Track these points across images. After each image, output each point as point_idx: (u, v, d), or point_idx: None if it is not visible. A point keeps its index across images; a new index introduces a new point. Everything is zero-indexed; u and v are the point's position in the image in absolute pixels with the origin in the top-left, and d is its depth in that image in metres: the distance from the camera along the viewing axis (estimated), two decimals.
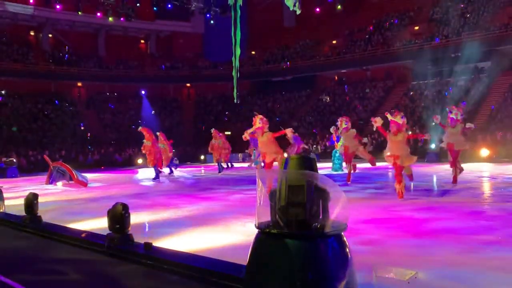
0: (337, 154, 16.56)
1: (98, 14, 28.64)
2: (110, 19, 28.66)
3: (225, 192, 10.92)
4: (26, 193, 6.81)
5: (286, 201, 2.93)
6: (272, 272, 2.87)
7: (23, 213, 6.58)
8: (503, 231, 5.69)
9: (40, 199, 6.62)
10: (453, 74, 28.47)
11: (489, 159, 19.41)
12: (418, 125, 25.52)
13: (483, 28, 28.35)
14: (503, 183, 11.37)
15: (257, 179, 3.23)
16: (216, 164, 17.90)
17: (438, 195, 9.87)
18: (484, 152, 20.01)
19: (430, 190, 10.78)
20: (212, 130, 17.96)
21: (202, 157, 25.98)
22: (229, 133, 19.29)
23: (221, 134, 18.10)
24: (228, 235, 5.88)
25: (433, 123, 13.34)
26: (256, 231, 3.08)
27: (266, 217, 3.08)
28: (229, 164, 18.89)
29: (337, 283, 2.80)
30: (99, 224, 6.33)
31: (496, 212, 7.18)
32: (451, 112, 11.29)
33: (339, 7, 34.88)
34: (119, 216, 4.69)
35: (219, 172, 17.24)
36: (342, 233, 2.95)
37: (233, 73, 10.26)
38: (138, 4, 27.52)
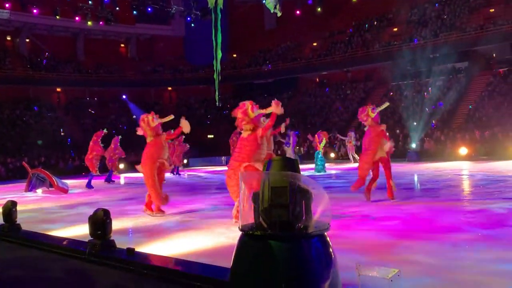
0: (319, 156, 16.67)
1: (77, 18, 28.27)
2: (89, 23, 28.34)
3: (208, 196, 10.87)
4: (5, 201, 6.66)
5: (269, 202, 2.92)
6: (257, 274, 2.87)
7: (1, 222, 6.43)
8: (483, 228, 5.79)
9: (19, 207, 6.48)
10: (431, 74, 28.99)
11: (468, 158, 19.79)
12: (399, 125, 25.88)
13: (459, 29, 28.95)
14: (483, 181, 11.60)
15: (240, 182, 3.22)
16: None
17: (419, 193, 10.01)
18: (463, 150, 20.41)
19: (411, 189, 10.93)
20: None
21: (185, 161, 25.84)
22: (212, 136, 19.19)
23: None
24: (212, 238, 5.85)
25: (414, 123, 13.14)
26: (239, 233, 3.08)
27: (250, 219, 3.08)
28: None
29: (322, 283, 2.81)
30: (81, 231, 6.24)
31: (476, 209, 7.31)
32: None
33: (318, 9, 35.19)
34: (100, 222, 4.62)
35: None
36: (325, 233, 2.96)
37: (215, 76, 10.26)
38: (117, 8, 27.31)
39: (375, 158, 8.20)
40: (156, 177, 8.06)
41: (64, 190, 13.09)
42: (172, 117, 8.54)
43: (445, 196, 8.85)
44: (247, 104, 6.56)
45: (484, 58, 28.64)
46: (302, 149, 25.76)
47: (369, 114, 8.35)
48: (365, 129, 8.64)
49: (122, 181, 18.09)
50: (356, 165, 19.70)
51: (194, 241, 5.75)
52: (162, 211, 8.05)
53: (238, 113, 6.57)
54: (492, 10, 29.50)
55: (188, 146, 18.41)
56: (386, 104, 8.58)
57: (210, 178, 16.58)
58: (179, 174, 18.83)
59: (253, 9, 35.98)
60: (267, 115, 6.74)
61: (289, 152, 17.64)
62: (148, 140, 8.26)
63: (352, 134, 21.26)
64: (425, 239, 5.30)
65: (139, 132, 8.34)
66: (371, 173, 8.46)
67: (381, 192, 8.85)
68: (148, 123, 8.11)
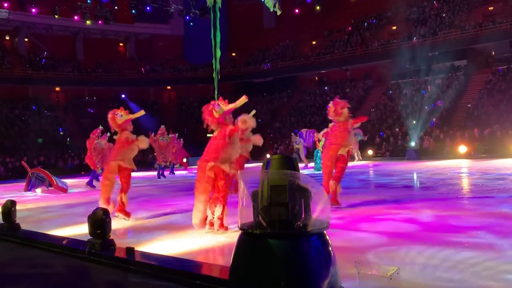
0: (319, 154, 16.67)
1: (76, 17, 28.24)
2: (88, 22, 28.32)
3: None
4: (4, 200, 6.66)
5: (269, 201, 2.93)
6: (256, 272, 2.87)
7: (0, 221, 6.43)
8: (483, 227, 5.80)
9: (18, 206, 6.48)
10: (430, 72, 29.01)
11: (468, 156, 19.81)
12: (398, 123, 25.89)
13: (458, 27, 28.95)
14: (482, 179, 11.60)
15: (239, 181, 3.22)
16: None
17: (418, 191, 10.01)
18: (462, 148, 20.43)
19: (410, 187, 10.94)
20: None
21: (185, 160, 25.78)
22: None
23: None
24: (212, 237, 5.85)
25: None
26: (239, 232, 3.08)
27: (249, 218, 3.08)
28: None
29: (321, 281, 2.81)
30: (80, 230, 6.23)
31: (475, 208, 7.32)
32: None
33: (318, 8, 35.19)
34: (99, 222, 4.62)
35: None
36: (325, 232, 2.97)
37: (214, 75, 10.26)
38: (116, 7, 27.28)
39: (337, 154, 7.61)
40: (112, 176, 7.66)
41: (64, 190, 13.09)
42: (143, 112, 8.09)
43: (444, 195, 8.86)
44: (211, 105, 6.21)
45: (483, 56, 28.68)
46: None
47: (343, 107, 7.72)
48: (331, 124, 8.03)
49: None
50: (359, 163, 19.83)
51: (194, 240, 5.75)
52: (126, 214, 7.55)
53: (204, 116, 6.21)
54: (491, 8, 29.51)
55: (182, 141, 18.44)
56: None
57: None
58: (173, 173, 18.83)
59: (252, 7, 35.95)
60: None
61: (301, 150, 17.75)
62: (114, 137, 7.80)
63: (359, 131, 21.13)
64: (424, 238, 5.30)
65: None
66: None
67: (380, 191, 8.86)
68: (114, 120, 7.55)
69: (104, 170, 7.96)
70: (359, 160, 20.42)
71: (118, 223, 7.05)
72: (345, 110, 7.65)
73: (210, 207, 6.11)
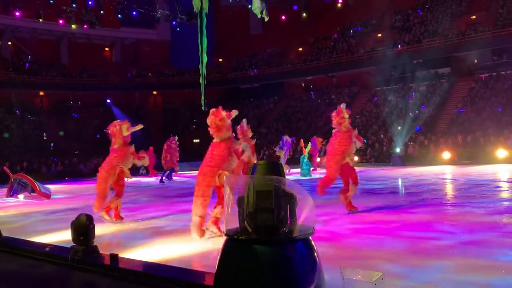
0: (305, 160, 16.75)
1: (60, 21, 27.92)
2: (73, 26, 28.03)
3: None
4: None
5: (254, 207, 2.92)
6: (242, 278, 2.86)
7: None
8: (466, 232, 5.87)
9: None
10: (414, 80, 29.40)
11: (451, 162, 20.07)
12: (383, 130, 26.14)
13: (442, 35, 29.43)
14: (465, 185, 11.77)
15: (224, 186, 3.21)
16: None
17: (403, 197, 10.10)
18: (446, 155, 20.69)
19: (395, 193, 11.03)
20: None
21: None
22: (197, 140, 19.09)
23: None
24: (197, 243, 5.81)
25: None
26: (225, 238, 3.06)
27: (235, 224, 3.07)
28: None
29: (307, 286, 2.81)
30: (63, 237, 6.14)
31: (458, 213, 7.41)
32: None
33: (304, 15, 35.43)
34: (83, 228, 4.55)
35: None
36: (310, 237, 2.97)
37: (201, 81, 10.22)
38: (102, 12, 26.98)
39: (342, 162, 7.90)
40: (108, 183, 8.03)
41: (47, 195, 12.89)
42: (141, 126, 8.65)
43: (428, 201, 8.95)
44: (222, 112, 6.48)
45: (466, 64, 29.18)
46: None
47: (345, 117, 8.14)
48: (334, 131, 8.36)
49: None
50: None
51: (179, 246, 5.70)
52: (119, 218, 7.96)
53: (214, 120, 6.42)
54: (473, 17, 30.08)
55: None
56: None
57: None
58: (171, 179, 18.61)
59: (239, 13, 36.02)
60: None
61: (282, 157, 17.59)
62: (115, 146, 8.20)
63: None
64: (408, 243, 5.35)
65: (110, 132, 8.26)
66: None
67: (365, 197, 8.92)
68: (120, 131, 8.09)
69: (103, 176, 8.16)
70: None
71: (102, 229, 6.96)
72: (346, 120, 8.06)
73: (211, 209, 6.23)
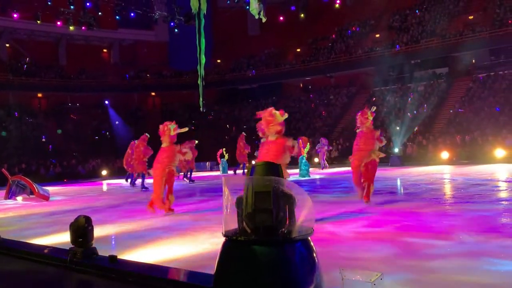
0: (303, 161, 16.74)
1: (58, 23, 27.89)
2: (71, 28, 28.00)
3: (192, 201, 10.81)
4: None
5: (253, 207, 2.92)
6: (240, 279, 2.86)
7: None
8: (464, 232, 5.88)
9: None
10: (413, 80, 29.45)
11: (449, 162, 20.10)
12: (381, 130, 26.16)
13: (440, 35, 29.49)
14: (463, 184, 11.78)
15: (223, 187, 3.21)
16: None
17: (401, 197, 10.11)
18: (445, 154, 20.73)
19: (394, 193, 11.04)
20: None
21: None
22: (196, 142, 19.18)
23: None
24: (196, 244, 5.80)
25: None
26: (223, 239, 3.06)
27: (233, 225, 3.07)
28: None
29: (306, 287, 2.81)
30: (62, 238, 6.13)
31: (457, 213, 7.42)
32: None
33: (302, 15, 35.47)
34: (81, 229, 4.55)
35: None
36: (309, 238, 2.97)
37: (199, 82, 10.23)
38: (100, 13, 26.97)
39: (368, 159, 8.51)
40: (163, 182, 8.71)
41: (45, 197, 12.86)
42: (186, 129, 9.64)
43: (427, 201, 8.96)
44: (274, 110, 7.05)
45: (463, 64, 29.24)
46: None
47: (368, 118, 8.73)
48: (358, 131, 8.95)
49: (104, 187, 17.89)
50: (329, 170, 19.84)
51: (178, 247, 5.70)
52: (171, 210, 8.79)
53: (264, 115, 7.00)
54: (471, 17, 30.16)
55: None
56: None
57: (195, 183, 16.48)
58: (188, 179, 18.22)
59: (237, 15, 36.05)
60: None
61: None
62: (163, 145, 8.97)
63: (324, 141, 20.93)
64: (408, 244, 5.35)
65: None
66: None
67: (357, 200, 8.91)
68: (169, 131, 8.93)
69: (157, 175, 8.85)
70: (325, 168, 20.39)
71: (101, 231, 6.95)
72: (369, 121, 8.70)
73: None
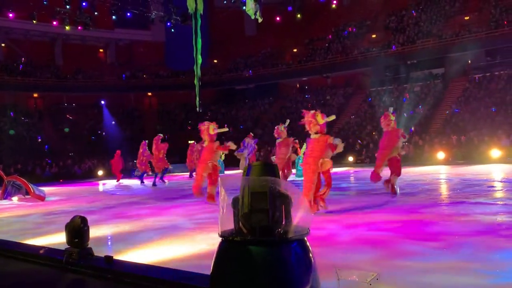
0: (300, 161, 16.72)
1: (54, 23, 27.77)
2: (67, 28, 27.89)
3: (188, 202, 10.79)
4: None
5: (249, 208, 2.92)
6: (237, 280, 2.85)
7: None
8: (460, 232, 5.90)
9: None
10: (409, 80, 29.50)
11: (446, 162, 20.16)
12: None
13: (436, 36, 29.57)
14: (459, 185, 11.82)
15: (219, 188, 3.20)
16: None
17: (398, 197, 10.12)
18: (441, 155, 20.79)
19: (388, 193, 11.04)
20: None
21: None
22: (192, 142, 19.17)
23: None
24: (192, 245, 5.80)
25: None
26: (220, 239, 3.05)
27: (230, 225, 3.06)
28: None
29: (302, 287, 2.81)
30: (58, 239, 6.11)
31: (453, 214, 7.44)
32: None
33: (298, 16, 35.46)
34: (77, 230, 4.54)
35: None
36: (305, 238, 2.97)
37: (195, 82, 10.23)
38: (96, 13, 26.83)
39: (390, 156, 9.70)
40: (203, 176, 9.93)
41: (41, 198, 12.81)
42: (226, 129, 10.87)
43: (424, 201, 8.99)
44: (317, 113, 7.97)
45: (460, 64, 29.33)
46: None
47: (391, 119, 9.87)
48: (384, 130, 10.15)
49: (100, 188, 17.85)
50: (340, 169, 19.82)
51: (174, 248, 5.69)
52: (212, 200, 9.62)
53: (308, 118, 7.93)
54: (467, 18, 30.25)
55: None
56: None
57: (190, 184, 16.43)
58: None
59: (234, 15, 36.00)
60: None
61: (242, 161, 16.66)
62: (204, 144, 10.06)
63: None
64: (404, 244, 5.36)
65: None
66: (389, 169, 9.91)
67: (361, 197, 8.94)
68: (208, 130, 9.84)
69: (199, 171, 10.08)
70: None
71: (97, 231, 6.93)
72: (392, 122, 9.86)
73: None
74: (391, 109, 10.17)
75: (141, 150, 16.85)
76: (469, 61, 29.72)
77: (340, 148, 7.87)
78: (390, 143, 9.68)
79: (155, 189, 15.34)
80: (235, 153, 17.17)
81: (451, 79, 29.06)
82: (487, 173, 14.59)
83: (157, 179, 16.50)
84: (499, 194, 9.73)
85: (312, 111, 8.00)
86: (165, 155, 16.25)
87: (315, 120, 7.82)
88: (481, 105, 24.91)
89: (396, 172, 9.82)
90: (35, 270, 4.86)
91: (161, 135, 16.66)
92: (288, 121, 10.95)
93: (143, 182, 17.08)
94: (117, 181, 19.47)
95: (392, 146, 9.64)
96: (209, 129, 9.82)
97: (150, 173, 17.24)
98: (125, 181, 19.42)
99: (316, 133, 7.86)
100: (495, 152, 19.03)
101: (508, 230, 5.88)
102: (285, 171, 13.01)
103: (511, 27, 26.58)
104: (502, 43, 26.78)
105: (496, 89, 25.96)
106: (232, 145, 10.35)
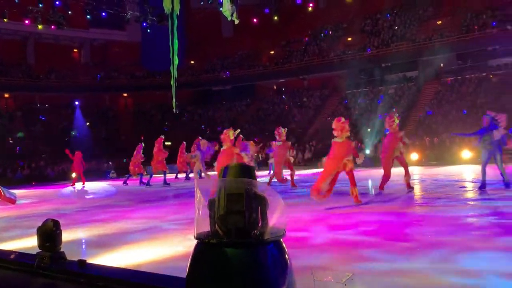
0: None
1: (26, 21, 27.12)
2: (40, 26, 27.27)
3: (164, 204, 10.69)
4: None
5: (225, 209, 2.90)
6: (212, 282, 2.83)
7: None
8: (432, 233, 6.02)
9: None
10: (384, 83, 30.01)
11: (419, 163, 20.57)
12: (353, 132, 26.54)
13: (410, 39, 30.19)
14: (432, 185, 12.07)
15: (195, 189, 3.18)
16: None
17: (372, 197, 10.27)
18: (414, 156, 21.20)
19: (365, 194, 11.20)
20: None
21: (74, 174, 23.68)
22: (169, 143, 18.94)
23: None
24: (168, 248, 5.74)
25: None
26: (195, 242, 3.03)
27: (206, 227, 3.04)
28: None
29: None
30: (29, 243, 5.95)
31: (425, 214, 7.60)
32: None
33: (275, 18, 35.61)
34: (49, 233, 4.41)
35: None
36: (281, 240, 2.98)
37: (172, 83, 10.14)
38: (70, 12, 26.35)
39: (393, 157, 10.23)
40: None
41: (12, 201, 12.39)
42: (239, 130, 11.77)
43: (396, 202, 9.14)
44: (342, 119, 8.82)
45: (432, 67, 30.04)
46: (260, 155, 25.85)
47: (395, 121, 10.31)
48: (387, 132, 10.63)
49: (73, 190, 17.50)
50: (302, 172, 19.87)
51: (150, 251, 5.62)
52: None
53: (340, 123, 8.73)
54: (439, 22, 31.00)
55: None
56: None
57: (168, 186, 16.30)
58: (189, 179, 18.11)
59: (210, 16, 35.93)
60: None
61: (198, 164, 16.07)
62: (224, 147, 10.51)
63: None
64: (378, 244, 5.44)
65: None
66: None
67: (335, 198, 9.04)
68: (228, 135, 10.47)
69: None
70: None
71: (70, 235, 6.79)
72: (395, 123, 10.32)
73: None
74: (394, 110, 10.96)
75: (135, 153, 17.16)
76: (441, 65, 30.47)
77: (361, 159, 8.94)
78: (390, 145, 10.23)
79: (144, 190, 15.26)
80: (190, 158, 16.57)
81: (424, 82, 29.69)
82: (458, 173, 14.96)
83: (144, 179, 16.80)
84: (470, 195, 9.98)
85: (342, 119, 8.87)
86: (164, 159, 16.53)
87: (346, 126, 8.78)
88: (453, 108, 25.55)
89: (405, 169, 10.40)
90: (6, 275, 4.71)
91: (163, 137, 16.90)
92: (238, 130, 11.91)
93: (143, 183, 16.96)
94: (82, 183, 18.53)
95: (393, 148, 10.17)
96: (229, 135, 10.54)
97: (145, 173, 17.48)
98: (98, 184, 19.08)
99: (345, 138, 8.77)
100: (466, 153, 19.53)
101: (479, 230, 6.03)
102: (290, 171, 13.22)
103: (481, 31, 27.37)
104: (472, 47, 27.55)
105: (467, 92, 26.68)
106: (245, 157, 11.08)
